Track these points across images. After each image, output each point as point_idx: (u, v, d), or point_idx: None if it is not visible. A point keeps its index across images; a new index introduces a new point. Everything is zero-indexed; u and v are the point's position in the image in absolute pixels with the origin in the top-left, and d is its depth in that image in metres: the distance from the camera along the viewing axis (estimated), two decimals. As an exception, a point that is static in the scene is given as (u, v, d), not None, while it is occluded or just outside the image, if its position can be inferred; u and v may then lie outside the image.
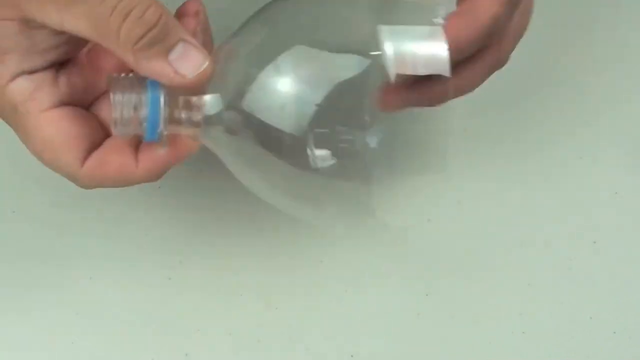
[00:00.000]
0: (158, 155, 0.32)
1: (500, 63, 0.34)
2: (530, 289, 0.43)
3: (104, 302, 0.41)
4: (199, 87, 0.30)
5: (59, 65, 0.32)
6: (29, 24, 0.30)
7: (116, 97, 0.30)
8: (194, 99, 0.31)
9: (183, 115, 0.31)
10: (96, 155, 0.32)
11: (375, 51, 0.30)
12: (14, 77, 0.31)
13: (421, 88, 0.31)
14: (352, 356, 0.41)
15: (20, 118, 0.31)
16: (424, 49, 0.30)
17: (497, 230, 0.44)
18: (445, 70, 0.30)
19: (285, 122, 0.30)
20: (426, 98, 0.32)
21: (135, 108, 0.30)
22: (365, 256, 0.43)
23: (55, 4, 0.29)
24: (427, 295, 0.43)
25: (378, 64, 0.30)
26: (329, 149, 0.31)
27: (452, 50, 0.30)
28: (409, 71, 0.30)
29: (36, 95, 0.31)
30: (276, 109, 0.30)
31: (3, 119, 0.33)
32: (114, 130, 0.31)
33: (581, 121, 0.47)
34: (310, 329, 0.42)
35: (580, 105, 0.47)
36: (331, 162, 0.31)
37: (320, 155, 0.31)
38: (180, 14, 0.33)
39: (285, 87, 0.30)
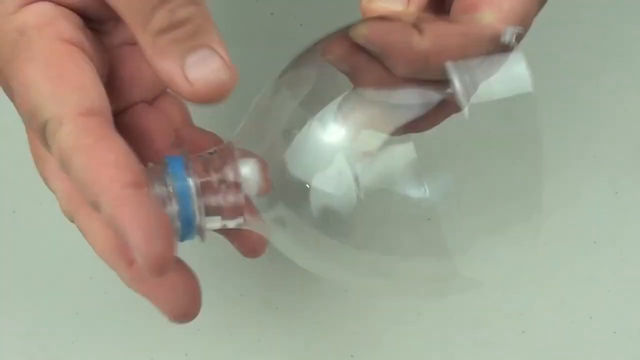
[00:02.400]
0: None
1: None
2: (530, 289, 0.43)
3: (104, 302, 0.41)
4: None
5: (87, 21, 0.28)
6: None
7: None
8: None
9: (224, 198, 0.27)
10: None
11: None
12: (34, 1, 0.26)
13: None
14: (352, 356, 0.41)
15: (28, 42, 0.26)
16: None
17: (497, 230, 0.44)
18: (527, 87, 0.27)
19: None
20: None
21: (164, 203, 0.26)
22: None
23: None
24: (427, 295, 0.43)
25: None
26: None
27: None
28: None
29: (57, 21, 0.26)
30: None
31: None
32: None
33: (581, 121, 0.47)
34: (310, 329, 0.42)
35: (581, 105, 0.47)
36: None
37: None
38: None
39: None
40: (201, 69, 0.24)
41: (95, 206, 0.24)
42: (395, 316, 0.42)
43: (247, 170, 0.27)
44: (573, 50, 0.48)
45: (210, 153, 0.28)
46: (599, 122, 0.47)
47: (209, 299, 0.42)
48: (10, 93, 0.27)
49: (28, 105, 0.25)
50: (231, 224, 0.28)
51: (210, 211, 0.27)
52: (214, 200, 0.27)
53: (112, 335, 0.41)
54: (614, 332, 0.42)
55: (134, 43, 0.28)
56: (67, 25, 0.26)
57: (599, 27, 0.49)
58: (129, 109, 0.30)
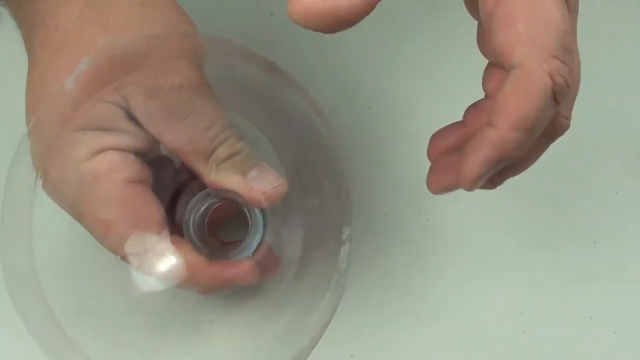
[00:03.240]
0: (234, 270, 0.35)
1: (561, 127, 0.30)
2: (530, 289, 0.43)
3: (104, 302, 0.41)
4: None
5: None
6: (131, 115, 0.32)
7: None
8: None
9: None
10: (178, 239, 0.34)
11: None
12: (104, 150, 0.32)
13: None
14: (352, 356, 0.41)
15: (102, 185, 0.32)
16: None
17: (497, 230, 0.44)
18: None
19: None
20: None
21: None
22: (365, 257, 0.43)
23: (166, 118, 0.32)
24: (427, 295, 0.43)
25: None
26: None
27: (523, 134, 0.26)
28: None
29: (124, 167, 0.33)
30: None
31: (63, 189, 0.33)
32: None
33: (581, 121, 0.47)
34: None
35: (580, 105, 0.47)
36: None
37: None
38: None
39: None
40: (261, 182, 0.33)
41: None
42: (395, 316, 0.42)
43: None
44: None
45: None
46: (599, 122, 0.47)
47: (208, 299, 0.42)
48: (85, 223, 0.33)
49: (111, 241, 0.33)
50: None
51: None
52: None
53: (112, 335, 0.41)
54: (614, 332, 0.42)
55: None
56: (131, 168, 0.33)
57: (599, 27, 0.49)
58: None
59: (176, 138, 0.33)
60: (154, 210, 0.33)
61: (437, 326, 0.42)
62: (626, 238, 0.44)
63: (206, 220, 0.37)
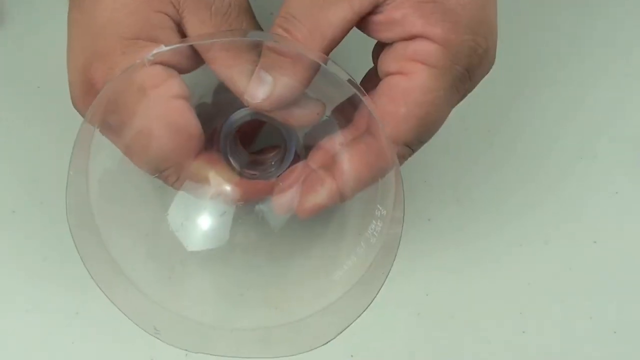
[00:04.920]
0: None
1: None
2: (530, 289, 0.43)
3: (104, 302, 0.41)
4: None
5: None
6: (181, 30, 0.33)
7: None
8: None
9: None
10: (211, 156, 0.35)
11: None
12: (151, 63, 0.33)
13: None
14: (352, 356, 0.41)
15: (147, 99, 0.33)
16: None
17: (497, 230, 0.44)
18: None
19: None
20: None
21: None
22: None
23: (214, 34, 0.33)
24: (427, 295, 0.43)
25: None
26: None
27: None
28: None
29: (170, 82, 0.33)
30: None
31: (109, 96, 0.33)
32: None
33: (581, 121, 0.47)
34: (310, 329, 0.42)
35: (580, 105, 0.47)
36: None
37: None
38: None
39: None
40: (303, 105, 0.34)
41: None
42: (395, 316, 0.42)
43: None
44: (573, 51, 0.48)
45: None
46: (599, 122, 0.47)
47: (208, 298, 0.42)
48: (111, 131, 0.34)
49: (151, 154, 0.34)
50: None
51: None
52: None
53: (112, 335, 0.41)
54: (614, 332, 0.42)
55: None
56: (174, 83, 0.33)
57: (599, 28, 0.49)
58: None
59: (221, 55, 0.33)
60: (194, 127, 0.34)
61: (437, 326, 0.42)
62: (626, 238, 0.44)
63: (236, 130, 0.37)
